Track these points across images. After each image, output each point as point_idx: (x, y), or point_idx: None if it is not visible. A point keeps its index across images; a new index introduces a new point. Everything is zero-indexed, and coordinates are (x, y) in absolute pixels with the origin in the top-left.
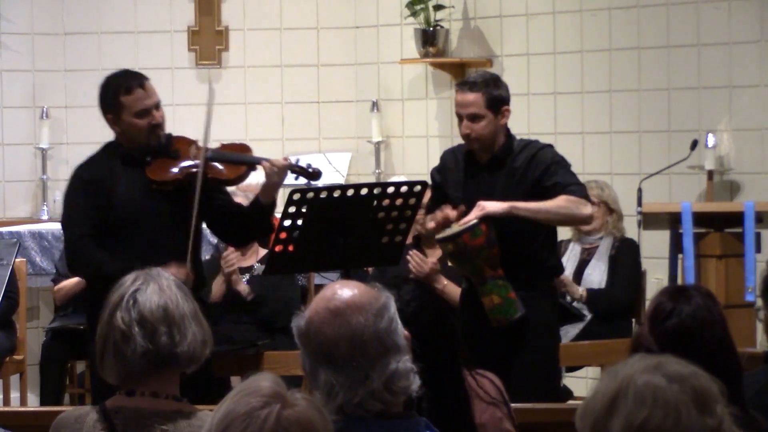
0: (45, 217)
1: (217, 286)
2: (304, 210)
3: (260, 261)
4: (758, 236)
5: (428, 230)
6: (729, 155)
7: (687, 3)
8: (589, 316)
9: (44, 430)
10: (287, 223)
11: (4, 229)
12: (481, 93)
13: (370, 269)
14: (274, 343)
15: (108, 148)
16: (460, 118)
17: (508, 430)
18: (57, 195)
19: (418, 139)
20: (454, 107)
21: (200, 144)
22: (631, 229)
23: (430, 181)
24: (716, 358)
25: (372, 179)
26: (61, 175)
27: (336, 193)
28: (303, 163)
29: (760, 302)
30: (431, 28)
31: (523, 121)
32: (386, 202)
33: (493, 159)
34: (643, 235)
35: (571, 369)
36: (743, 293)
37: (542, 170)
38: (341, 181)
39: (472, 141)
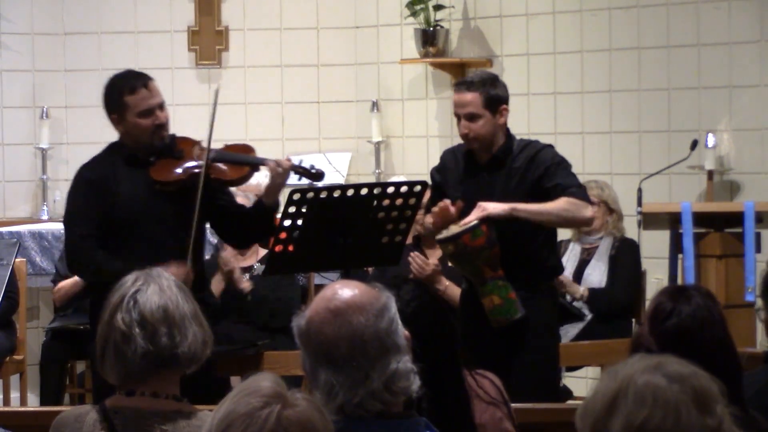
0: (45, 217)
1: (216, 284)
2: (304, 210)
3: (260, 261)
4: (758, 236)
5: (427, 226)
6: (729, 155)
7: (687, 3)
8: (589, 315)
9: (44, 430)
10: (287, 223)
11: (4, 229)
12: (478, 92)
13: (370, 269)
14: (274, 343)
15: (112, 148)
16: (459, 117)
17: (509, 430)
18: (57, 195)
19: (418, 139)
20: (453, 107)
21: (204, 145)
22: (631, 229)
23: (429, 181)
24: (716, 358)
25: (372, 179)
26: (61, 175)
27: (336, 193)
28: (306, 164)
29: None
30: (431, 28)
31: (523, 121)
32: (386, 202)
33: (492, 159)
34: (643, 235)
35: (571, 369)
36: (743, 293)
37: (543, 171)
38: (341, 181)
39: (471, 141)
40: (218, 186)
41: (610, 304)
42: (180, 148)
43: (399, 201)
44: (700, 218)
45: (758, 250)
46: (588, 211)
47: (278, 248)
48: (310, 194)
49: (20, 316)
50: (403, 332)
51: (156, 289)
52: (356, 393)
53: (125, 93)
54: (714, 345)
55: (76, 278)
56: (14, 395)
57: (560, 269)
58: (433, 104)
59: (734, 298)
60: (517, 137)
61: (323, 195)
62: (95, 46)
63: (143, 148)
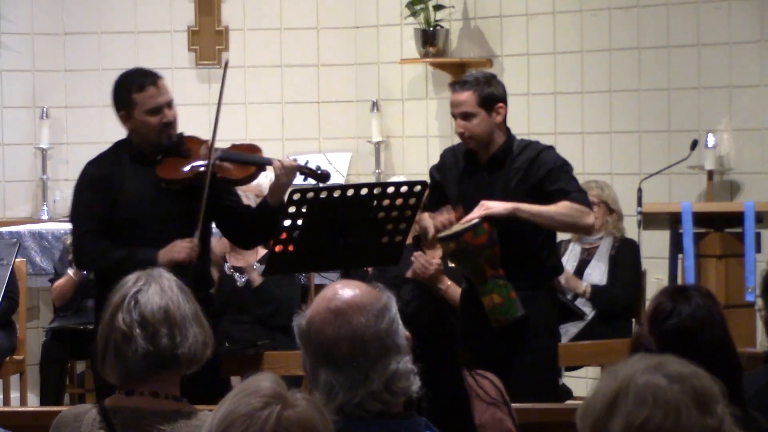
0: (45, 217)
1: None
2: (304, 210)
3: (260, 261)
4: (758, 236)
5: (422, 228)
6: (729, 155)
7: (687, 3)
8: (590, 315)
9: (44, 430)
10: (287, 223)
11: (4, 229)
12: (472, 91)
13: (370, 269)
14: (274, 343)
15: (119, 145)
16: (455, 117)
17: (509, 430)
18: (57, 195)
19: (418, 139)
20: (449, 107)
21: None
22: (631, 229)
23: (429, 180)
24: (716, 358)
25: (372, 179)
26: (61, 175)
27: (336, 193)
28: (312, 165)
29: (760, 302)
30: (431, 28)
31: (523, 121)
32: (386, 202)
33: (492, 159)
34: (643, 235)
35: (571, 369)
36: (743, 293)
37: (544, 173)
38: (341, 181)
39: (467, 140)
40: (224, 185)
41: (611, 303)
42: (187, 146)
43: (399, 201)
44: (700, 218)
45: (758, 250)
46: (589, 219)
47: (278, 248)
48: (310, 194)
49: (20, 316)
50: (403, 332)
51: (157, 289)
52: (356, 393)
53: (134, 90)
54: (714, 345)
55: (69, 276)
56: (14, 395)
57: (560, 269)
58: (433, 104)
59: (734, 298)
60: (518, 137)
61: (323, 195)
62: (95, 46)
63: (150, 146)
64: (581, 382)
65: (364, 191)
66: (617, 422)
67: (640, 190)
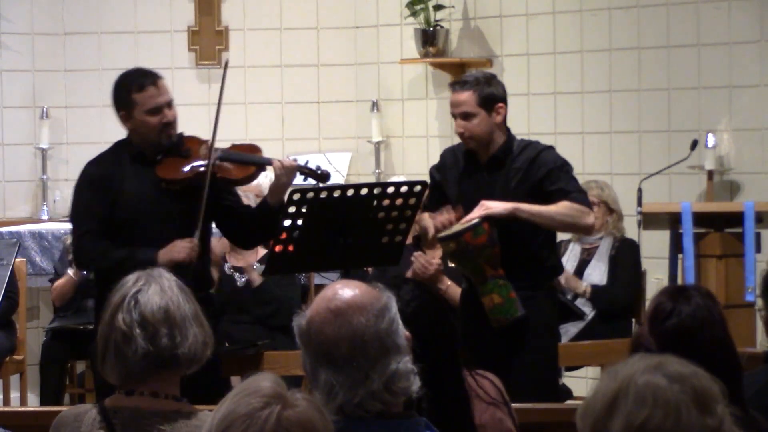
0: (45, 217)
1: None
2: (304, 210)
3: (260, 261)
4: (758, 236)
5: (422, 228)
6: (729, 155)
7: (687, 3)
8: (590, 315)
9: (44, 430)
10: (287, 223)
11: (4, 229)
12: (472, 91)
13: (370, 269)
14: (274, 343)
15: (119, 145)
16: (455, 117)
17: (509, 430)
18: (57, 195)
19: (418, 139)
20: (449, 107)
21: (210, 143)
22: (631, 229)
23: (429, 180)
24: (716, 358)
25: (372, 179)
26: (61, 175)
27: (336, 193)
28: (312, 165)
29: (760, 302)
30: (431, 28)
31: (523, 121)
32: (386, 202)
33: (492, 159)
34: (643, 235)
35: (571, 369)
36: (743, 293)
37: (545, 173)
38: (341, 181)
39: (467, 140)
40: (224, 185)
41: (611, 302)
42: (187, 146)
43: (399, 201)
44: (700, 218)
45: (758, 250)
46: (589, 219)
47: (278, 248)
48: (310, 194)
49: (20, 316)
50: (403, 332)
51: (157, 289)
52: (356, 393)
53: (134, 90)
54: (714, 345)
55: (69, 276)
56: (14, 395)
57: (560, 269)
58: (433, 104)
59: (734, 298)
60: (518, 137)
61: (323, 195)
62: (95, 46)
63: (150, 146)
64: (581, 382)
65: (364, 191)
66: (617, 422)
67: (640, 190)
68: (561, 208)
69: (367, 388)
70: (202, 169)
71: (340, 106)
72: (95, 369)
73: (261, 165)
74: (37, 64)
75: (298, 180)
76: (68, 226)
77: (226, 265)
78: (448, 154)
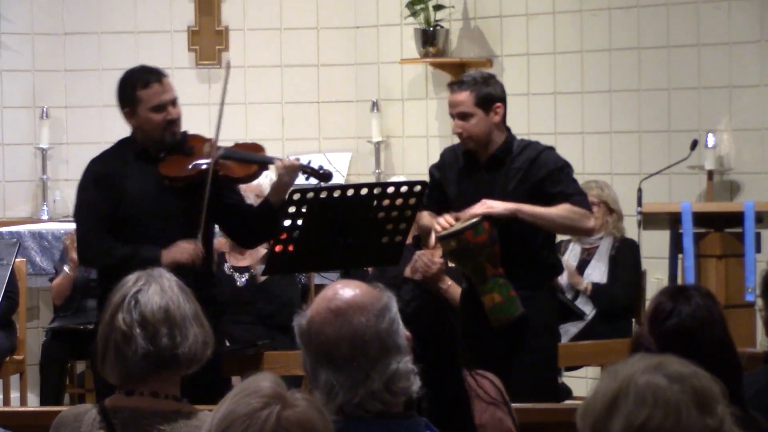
0: (45, 217)
1: None
2: (304, 210)
3: (252, 266)
4: (758, 236)
5: (422, 227)
6: (729, 155)
7: (687, 3)
8: (590, 315)
9: (44, 430)
10: (287, 223)
11: (4, 229)
12: (469, 91)
13: (370, 269)
14: (274, 343)
15: (123, 143)
16: (453, 117)
17: (509, 430)
18: (57, 195)
19: (418, 139)
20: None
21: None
22: (631, 229)
23: (429, 179)
24: (716, 358)
25: (372, 179)
26: (61, 175)
27: (336, 193)
28: (314, 164)
29: (760, 302)
30: (431, 28)
31: (523, 121)
32: (386, 202)
33: (491, 158)
34: (643, 235)
35: (571, 369)
36: (743, 293)
37: (545, 174)
38: (341, 181)
39: (465, 140)
40: (226, 183)
41: (611, 300)
42: (190, 144)
43: (399, 201)
44: (700, 218)
45: (758, 250)
46: (590, 222)
47: (278, 248)
48: (310, 194)
49: (20, 316)
50: (404, 332)
51: (157, 289)
52: (356, 393)
53: (138, 87)
54: (714, 345)
55: (65, 273)
56: (14, 395)
57: (560, 269)
58: (433, 104)
59: (734, 298)
60: (518, 137)
61: (323, 195)
62: (95, 46)
63: (154, 144)
64: (581, 382)
65: (364, 191)
66: (617, 422)
67: (640, 190)
68: (562, 211)
69: (368, 388)
70: (204, 166)
71: (340, 106)
72: (95, 369)
73: (263, 164)
74: (37, 64)
75: (301, 179)
76: (68, 226)
77: (226, 265)
78: (448, 153)
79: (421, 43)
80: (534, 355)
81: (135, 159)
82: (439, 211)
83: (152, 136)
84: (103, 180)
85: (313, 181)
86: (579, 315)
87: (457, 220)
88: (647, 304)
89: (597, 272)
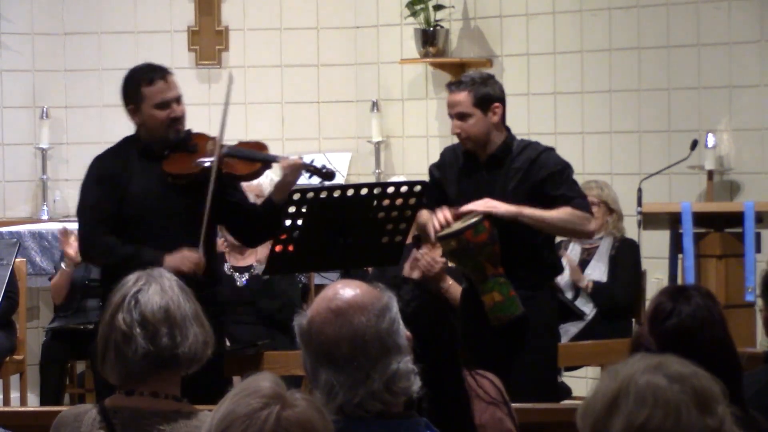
0: (45, 217)
1: None
2: (304, 210)
3: (259, 260)
4: (758, 236)
5: (421, 225)
6: (729, 155)
7: (687, 3)
8: (590, 315)
9: (44, 430)
10: (287, 223)
11: (4, 229)
12: (467, 91)
13: (370, 269)
14: (274, 343)
15: (127, 141)
16: (452, 118)
17: (509, 430)
18: (57, 195)
19: (418, 139)
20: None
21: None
22: (631, 229)
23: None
24: (716, 358)
25: (372, 179)
26: (61, 175)
27: (336, 193)
28: (318, 164)
29: (760, 302)
30: (431, 28)
31: (523, 121)
32: (386, 202)
33: (491, 158)
34: (643, 235)
35: (571, 368)
36: (743, 293)
37: (546, 175)
38: (341, 181)
39: (464, 140)
40: (230, 181)
41: (611, 300)
42: (194, 142)
43: (399, 201)
44: (700, 218)
45: (758, 250)
46: (591, 225)
47: (278, 248)
48: (310, 194)
49: (20, 316)
50: (404, 332)
51: (157, 289)
52: (356, 393)
53: (143, 84)
54: (714, 345)
55: (62, 270)
56: (14, 395)
57: (560, 268)
58: (433, 104)
59: (734, 298)
60: (518, 137)
61: (323, 195)
62: (95, 46)
63: (158, 141)
64: (581, 382)
65: (364, 191)
66: (617, 422)
67: (640, 190)
68: (563, 214)
69: (368, 388)
70: (208, 164)
71: (340, 106)
72: (95, 369)
73: (267, 162)
74: (37, 64)
75: (304, 178)
76: (69, 225)
77: (226, 265)
78: (448, 153)
79: (421, 43)
80: (534, 355)
81: (139, 157)
82: None
83: (156, 134)
84: (106, 177)
85: (316, 179)
86: (579, 315)
87: (456, 218)
88: (647, 304)
89: (597, 272)
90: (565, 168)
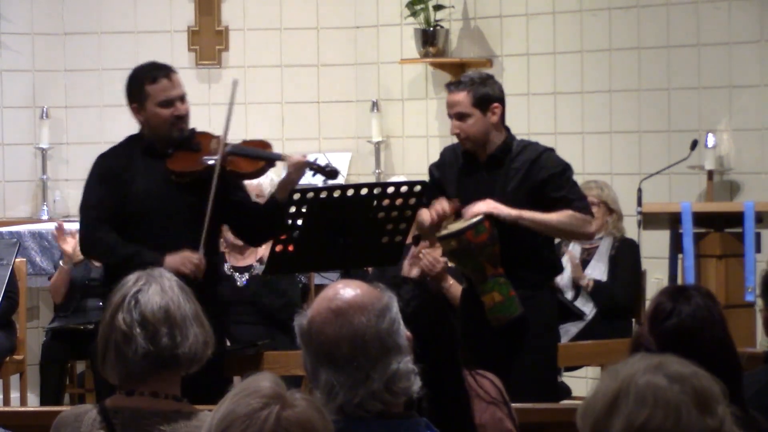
0: (45, 217)
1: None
2: (304, 210)
3: (259, 260)
4: (758, 236)
5: (422, 222)
6: (729, 155)
7: (687, 3)
8: (590, 315)
9: (44, 430)
10: (287, 222)
11: (4, 229)
12: (467, 92)
13: (370, 269)
14: (274, 343)
15: (131, 139)
16: (451, 118)
17: (509, 430)
18: (57, 195)
19: (418, 139)
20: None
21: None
22: (631, 229)
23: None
24: (716, 358)
25: (372, 179)
26: (61, 175)
27: (336, 193)
28: (321, 162)
29: (760, 302)
30: (431, 28)
31: (523, 121)
32: (386, 202)
33: (490, 158)
34: (643, 235)
35: (571, 368)
36: (743, 293)
37: (546, 176)
38: (341, 181)
39: (463, 140)
40: (233, 179)
41: (611, 300)
42: (198, 141)
43: (399, 201)
44: (700, 218)
45: (758, 250)
46: (591, 228)
47: (278, 248)
48: (310, 194)
49: (20, 316)
50: (404, 333)
51: (157, 289)
52: (357, 393)
53: (147, 82)
54: (714, 345)
55: (61, 267)
56: (14, 395)
57: (560, 268)
58: (433, 104)
59: (734, 298)
60: (518, 137)
61: (323, 195)
62: (95, 46)
63: (162, 140)
64: (581, 382)
65: (364, 191)
66: (618, 422)
67: (640, 190)
68: (564, 217)
69: (368, 388)
70: (211, 162)
71: (340, 106)
72: (95, 369)
73: (271, 160)
74: (37, 64)
75: (308, 176)
76: (69, 225)
77: (226, 265)
78: (448, 152)
79: (421, 43)
80: (534, 355)
81: (142, 155)
82: None
83: (160, 132)
84: (109, 175)
85: (319, 178)
86: (578, 315)
87: (455, 211)
88: (647, 304)
89: (597, 272)
90: (566, 169)
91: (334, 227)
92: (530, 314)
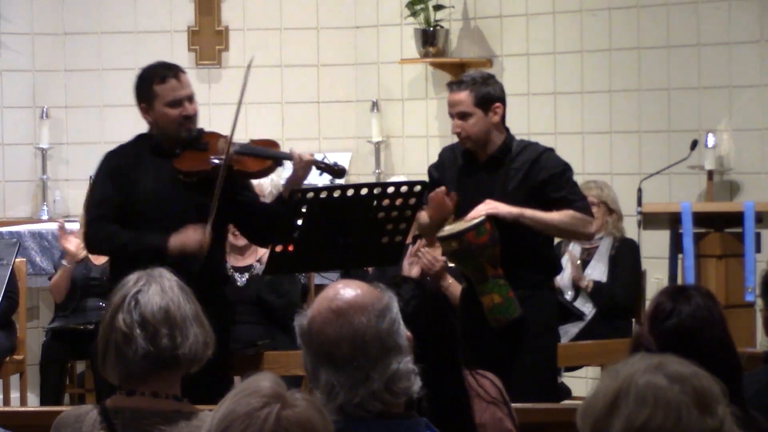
0: (45, 217)
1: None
2: (303, 210)
3: (259, 260)
4: (758, 236)
5: (422, 221)
6: (729, 155)
7: (687, 3)
8: (589, 315)
9: (44, 430)
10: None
11: (4, 229)
12: (468, 91)
13: (370, 269)
14: (274, 343)
15: (140, 138)
16: (452, 117)
17: (509, 430)
18: (57, 195)
19: (418, 139)
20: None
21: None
22: (631, 229)
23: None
24: (716, 358)
25: (372, 179)
26: (61, 175)
27: (336, 193)
28: (329, 161)
29: (760, 302)
30: (431, 28)
31: (523, 121)
32: (386, 202)
33: (490, 158)
34: (643, 235)
35: (571, 369)
36: (743, 293)
37: (547, 176)
38: (341, 181)
39: (464, 140)
40: (241, 178)
41: (611, 300)
42: (206, 140)
43: (399, 201)
44: (700, 218)
45: (758, 250)
46: (591, 228)
47: (278, 248)
48: (310, 194)
49: (20, 316)
50: (404, 333)
51: (157, 289)
52: (357, 393)
53: (155, 82)
54: (714, 345)
55: (63, 267)
56: (14, 395)
57: (560, 268)
58: (433, 104)
59: (734, 298)
60: (517, 138)
61: (323, 195)
62: (95, 46)
63: (170, 139)
64: (581, 382)
65: (364, 191)
66: (618, 422)
67: (640, 190)
68: (564, 217)
69: (368, 388)
70: (218, 161)
71: (340, 106)
72: (95, 369)
73: (278, 159)
74: (37, 64)
75: (314, 175)
76: (69, 225)
77: (226, 265)
78: (446, 153)
79: (421, 43)
80: (534, 355)
81: (150, 154)
82: None
83: (168, 132)
84: (116, 173)
85: (326, 176)
86: (578, 315)
87: (452, 200)
88: (647, 304)
89: (597, 272)
90: (566, 169)
91: (334, 227)
92: (530, 314)
